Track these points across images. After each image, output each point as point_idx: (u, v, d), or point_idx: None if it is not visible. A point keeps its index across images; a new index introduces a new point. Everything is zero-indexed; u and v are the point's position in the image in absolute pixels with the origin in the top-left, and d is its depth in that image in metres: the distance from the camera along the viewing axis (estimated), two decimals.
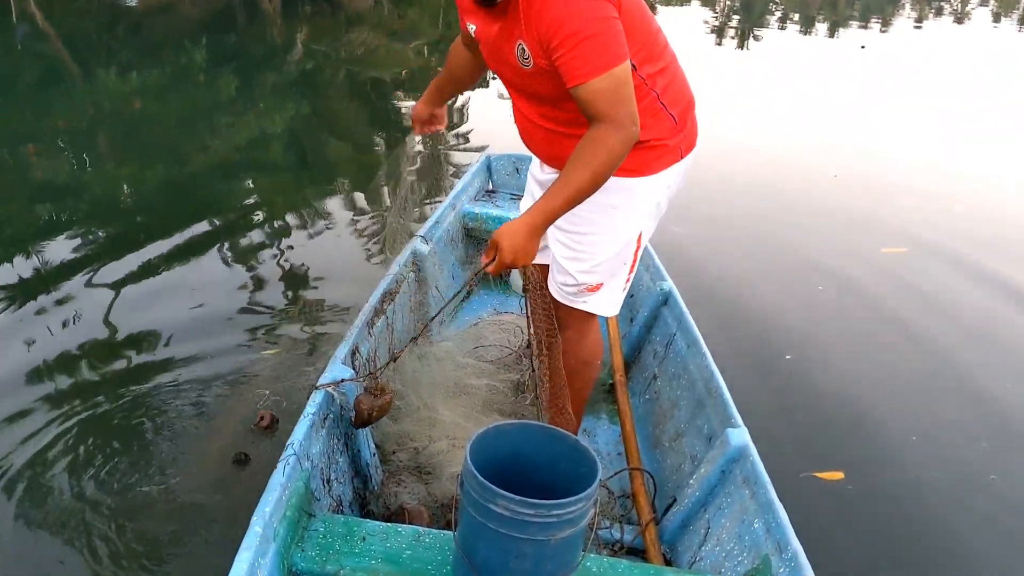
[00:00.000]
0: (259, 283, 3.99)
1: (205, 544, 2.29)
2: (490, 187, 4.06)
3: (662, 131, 1.85)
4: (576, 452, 1.64)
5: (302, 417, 1.83)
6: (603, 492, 2.29)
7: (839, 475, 2.71)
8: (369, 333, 2.38)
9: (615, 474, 2.30)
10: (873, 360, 3.52)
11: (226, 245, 4.50)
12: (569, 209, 1.69)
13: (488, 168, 4.05)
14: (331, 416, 1.98)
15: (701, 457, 2.16)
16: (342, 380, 1.97)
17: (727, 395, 2.16)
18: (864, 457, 2.84)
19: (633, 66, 1.68)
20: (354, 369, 2.12)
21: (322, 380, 1.97)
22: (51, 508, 2.42)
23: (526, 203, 2.28)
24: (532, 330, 2.01)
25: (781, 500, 1.76)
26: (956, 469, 2.82)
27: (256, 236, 4.67)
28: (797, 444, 2.87)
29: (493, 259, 1.72)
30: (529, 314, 1.99)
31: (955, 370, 3.47)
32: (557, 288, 2.07)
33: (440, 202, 3.60)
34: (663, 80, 1.82)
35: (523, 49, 1.71)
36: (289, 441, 1.75)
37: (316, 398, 1.91)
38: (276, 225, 4.85)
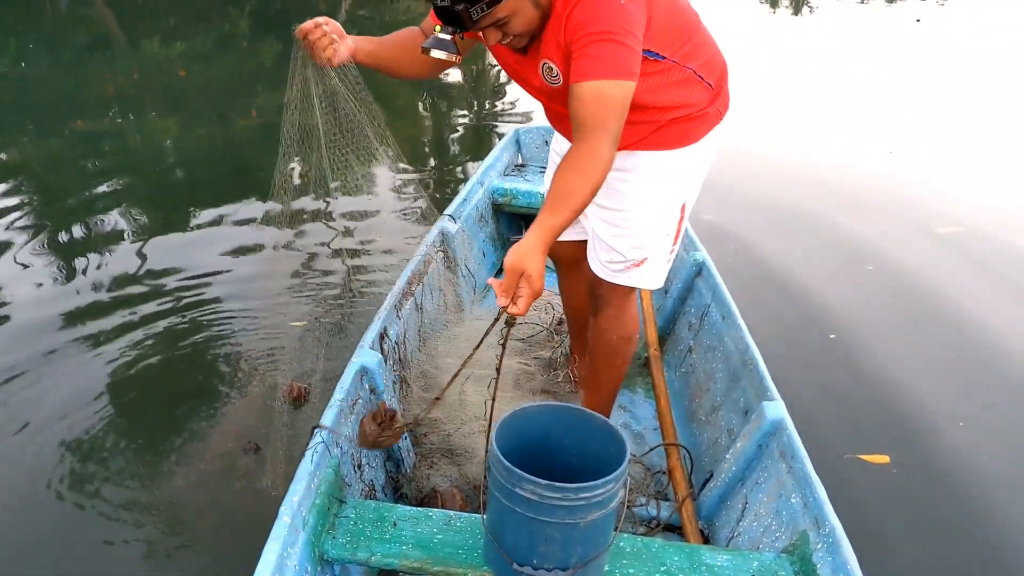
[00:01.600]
0: (293, 251, 4.05)
1: (230, 525, 2.28)
2: (519, 161, 4.02)
3: (700, 100, 1.85)
4: (605, 432, 1.61)
5: (330, 404, 1.83)
6: (639, 469, 2.27)
7: (884, 459, 2.63)
8: (397, 316, 2.37)
9: (650, 451, 2.27)
10: (922, 343, 3.38)
11: (263, 212, 4.58)
12: (571, 224, 1.62)
13: (517, 142, 4.00)
14: (361, 400, 1.98)
15: (738, 431, 2.11)
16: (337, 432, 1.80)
17: (763, 367, 2.11)
18: (910, 441, 2.74)
19: (662, 56, 1.69)
20: (382, 353, 2.12)
21: (349, 368, 1.96)
22: (62, 481, 2.44)
23: (549, 175, 2.24)
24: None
25: (823, 480, 1.71)
26: (1007, 457, 2.70)
27: (294, 203, 4.73)
28: (841, 425, 2.79)
29: (512, 296, 1.52)
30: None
31: (1009, 355, 3.31)
32: (601, 266, 2.04)
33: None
34: (698, 56, 1.80)
35: (550, 68, 1.70)
36: (317, 428, 1.75)
37: (344, 383, 1.91)
38: (315, 193, 4.90)
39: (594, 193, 1.57)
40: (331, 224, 4.34)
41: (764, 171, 5.27)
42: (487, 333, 1.65)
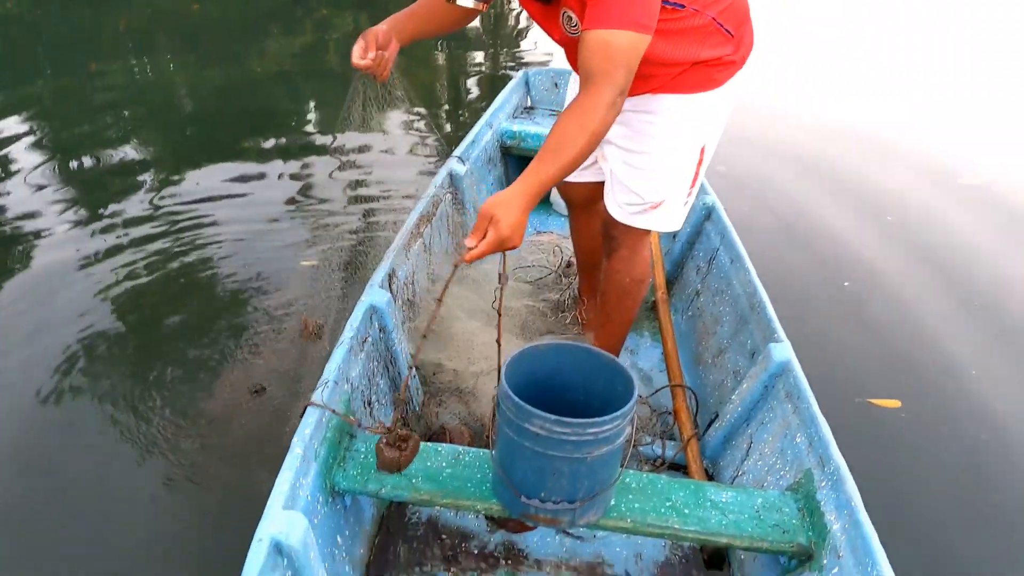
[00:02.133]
0: (305, 191, 4.07)
1: (242, 461, 2.30)
2: (528, 103, 3.97)
3: (720, 46, 1.82)
4: (613, 371, 1.62)
5: (339, 341, 1.85)
6: (645, 409, 2.29)
7: (896, 403, 2.65)
8: (406, 256, 2.37)
9: (656, 391, 2.29)
10: (939, 292, 3.38)
11: (276, 151, 4.60)
12: (565, 177, 1.56)
13: (526, 84, 3.95)
14: (370, 339, 1.99)
15: (744, 373, 2.13)
16: (340, 413, 1.73)
17: (770, 310, 2.11)
18: (922, 388, 2.75)
19: (682, 5, 1.65)
20: (391, 293, 2.12)
21: (358, 307, 1.97)
22: (61, 415, 2.46)
23: None
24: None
25: (833, 423, 1.72)
26: (1021, 408, 2.71)
27: (307, 144, 4.78)
28: (853, 371, 2.81)
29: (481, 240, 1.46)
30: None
31: None
32: (618, 207, 2.04)
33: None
34: (717, 4, 1.76)
35: (569, 17, 1.66)
36: (327, 364, 1.76)
37: (354, 322, 1.92)
38: (328, 134, 4.91)
39: (591, 146, 1.52)
40: (342, 162, 4.35)
41: (783, 119, 5.23)
42: (450, 277, 1.62)
